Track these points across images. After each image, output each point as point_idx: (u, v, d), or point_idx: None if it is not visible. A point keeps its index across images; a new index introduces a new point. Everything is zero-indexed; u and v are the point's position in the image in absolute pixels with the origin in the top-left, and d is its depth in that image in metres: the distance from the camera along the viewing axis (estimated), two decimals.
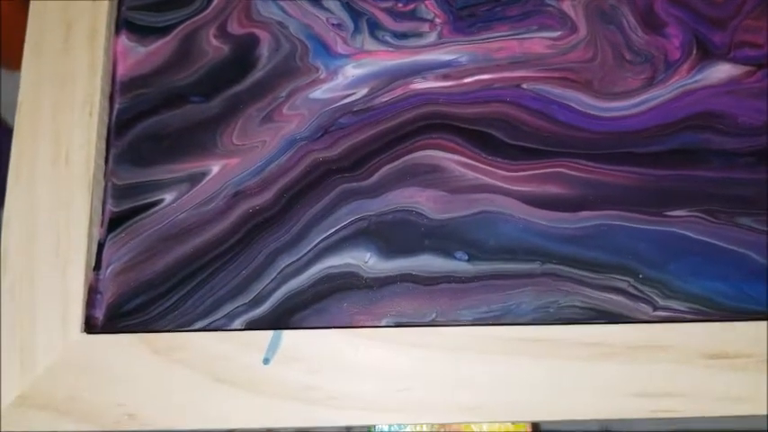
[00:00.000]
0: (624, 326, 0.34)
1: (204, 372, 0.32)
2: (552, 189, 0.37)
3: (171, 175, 0.37)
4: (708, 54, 0.40)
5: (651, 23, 0.40)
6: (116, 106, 0.39)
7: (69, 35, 0.39)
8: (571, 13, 0.40)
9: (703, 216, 0.37)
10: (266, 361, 0.32)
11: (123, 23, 0.40)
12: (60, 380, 0.32)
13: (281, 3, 0.40)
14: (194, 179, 0.37)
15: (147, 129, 0.38)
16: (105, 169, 0.37)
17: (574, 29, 0.40)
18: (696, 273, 0.36)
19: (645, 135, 0.38)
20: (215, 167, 0.38)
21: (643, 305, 0.35)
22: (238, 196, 0.37)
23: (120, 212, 0.37)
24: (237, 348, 0.33)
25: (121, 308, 0.35)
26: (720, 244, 0.36)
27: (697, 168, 0.38)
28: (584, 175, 0.38)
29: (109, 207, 0.37)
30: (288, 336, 0.33)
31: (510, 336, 0.33)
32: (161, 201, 0.37)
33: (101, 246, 0.36)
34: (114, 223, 0.37)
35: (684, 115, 0.39)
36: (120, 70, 0.39)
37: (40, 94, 0.38)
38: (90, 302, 0.35)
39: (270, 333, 0.33)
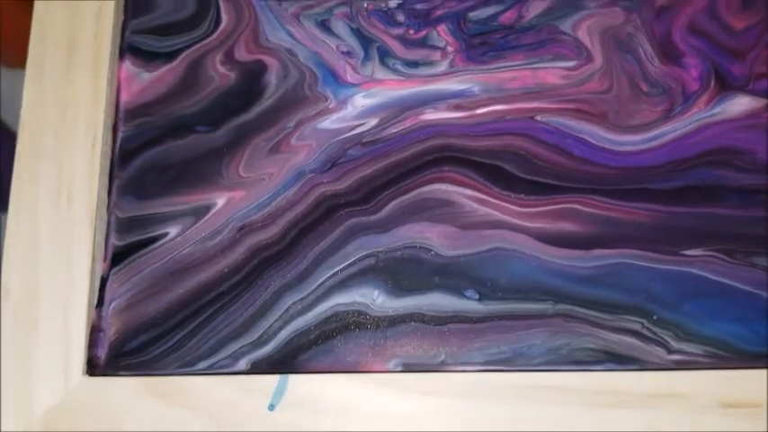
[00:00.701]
0: (638, 373, 0.33)
1: (208, 417, 0.32)
2: (566, 226, 0.37)
3: (175, 208, 0.37)
4: (726, 86, 0.39)
5: (669, 53, 0.39)
6: (120, 135, 0.38)
7: (71, 59, 0.38)
8: (587, 41, 0.40)
9: (720, 256, 0.36)
10: (271, 407, 0.32)
11: (127, 48, 0.39)
12: (61, 424, 0.32)
13: (290, 28, 0.40)
14: (199, 212, 0.37)
15: (151, 159, 0.38)
16: (108, 202, 0.37)
17: (589, 58, 0.39)
18: (712, 315, 0.35)
19: (661, 171, 0.38)
20: (220, 200, 0.37)
21: (657, 348, 0.35)
22: (244, 231, 0.36)
23: (124, 247, 0.36)
24: (242, 393, 0.32)
25: (124, 347, 0.35)
26: (737, 285, 0.36)
27: (714, 206, 0.37)
28: (598, 211, 0.37)
29: (112, 241, 0.36)
30: (294, 381, 0.32)
31: (521, 383, 0.33)
32: (165, 235, 0.36)
33: (104, 281, 0.35)
34: (117, 258, 0.36)
35: (702, 150, 0.38)
36: (124, 97, 0.39)
37: (42, 122, 0.37)
38: (92, 342, 0.34)
39: (276, 378, 0.32)
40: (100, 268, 0.36)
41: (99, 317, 0.35)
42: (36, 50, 0.39)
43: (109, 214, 0.37)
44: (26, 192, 0.36)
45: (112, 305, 0.35)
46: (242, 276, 0.36)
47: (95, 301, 0.35)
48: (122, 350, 0.35)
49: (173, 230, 0.37)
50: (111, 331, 0.35)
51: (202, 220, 0.37)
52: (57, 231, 0.35)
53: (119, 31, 0.39)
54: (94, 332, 0.34)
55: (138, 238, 0.37)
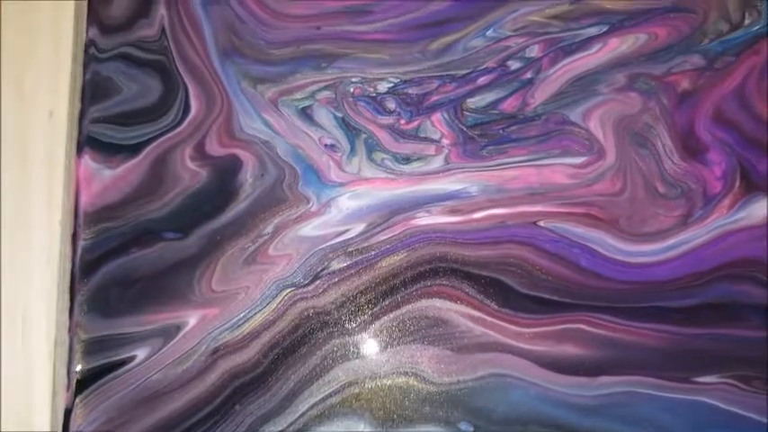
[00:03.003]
0: None
1: None
2: (569, 349, 0.35)
3: (143, 327, 0.35)
4: (752, 186, 0.36)
5: (690, 147, 0.36)
6: (80, 243, 0.36)
7: (25, 159, 0.35)
8: (598, 134, 0.36)
9: (736, 383, 0.34)
10: None
11: (86, 141, 0.36)
12: None
13: (267, 117, 0.36)
14: (169, 333, 0.35)
15: (115, 271, 0.35)
16: (70, 323, 0.34)
17: (601, 154, 0.36)
18: None
19: (675, 286, 0.35)
20: (192, 319, 0.35)
21: None
22: (218, 354, 0.34)
23: (89, 371, 0.34)
24: None
25: None
26: (753, 416, 0.34)
27: (732, 326, 0.35)
28: (605, 332, 0.35)
29: (75, 367, 0.34)
30: None
31: None
32: (132, 358, 0.34)
33: (67, 413, 0.33)
34: (82, 384, 0.34)
35: (721, 262, 0.36)
36: (84, 198, 0.36)
37: None
38: None
39: None
40: (63, 400, 0.34)
41: None
42: None
43: (71, 336, 0.35)
44: None
45: None
46: (216, 406, 0.34)
47: None
48: None
49: (141, 353, 0.35)
50: None
51: (172, 342, 0.35)
52: (12, 363, 0.33)
53: (75, 120, 0.36)
54: None
55: (103, 361, 0.35)
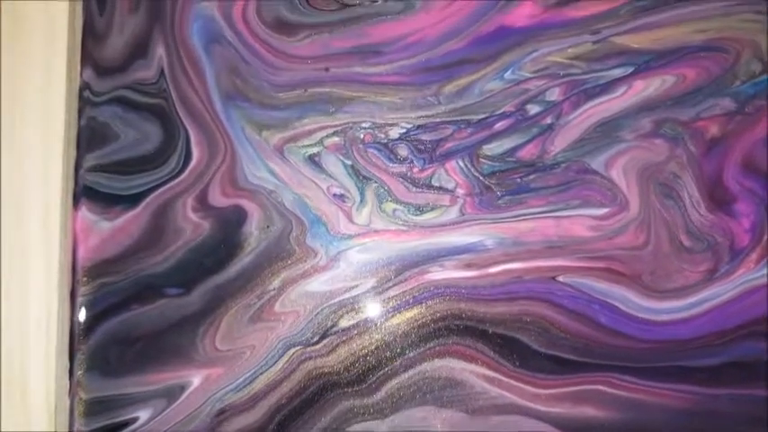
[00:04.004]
0: None
1: None
2: (588, 411, 0.34)
3: (146, 388, 0.34)
4: None
5: (718, 198, 0.35)
6: (78, 300, 0.34)
7: (20, 213, 0.34)
8: (621, 183, 0.35)
9: None
10: None
11: (83, 191, 0.35)
12: None
13: (273, 165, 0.35)
14: (172, 394, 0.34)
15: (115, 329, 0.34)
16: (70, 383, 0.33)
17: (623, 205, 0.35)
18: None
19: (698, 344, 0.34)
20: (195, 379, 0.34)
21: None
22: (223, 415, 0.34)
23: None
24: None
25: None
26: None
27: (756, 386, 0.34)
28: (625, 393, 0.34)
29: (75, 429, 0.33)
30: None
31: None
32: (135, 419, 0.34)
33: None
34: None
35: (747, 319, 0.35)
36: (82, 252, 0.35)
37: None
38: None
39: None
40: None
41: None
42: None
43: (71, 397, 0.34)
44: None
45: None
46: None
47: None
48: None
49: (144, 414, 0.34)
50: None
51: (176, 403, 0.34)
52: (11, 429, 0.32)
53: (71, 170, 0.35)
54: None
55: (105, 423, 0.34)
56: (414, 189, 0.36)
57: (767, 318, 0.35)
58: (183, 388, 0.35)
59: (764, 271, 0.35)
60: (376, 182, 0.36)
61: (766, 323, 0.35)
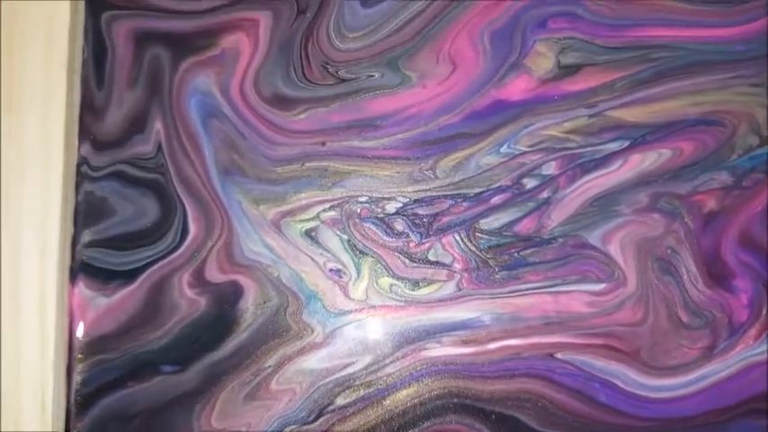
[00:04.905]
0: None
1: None
2: None
3: None
4: None
5: (716, 273, 0.35)
6: (74, 377, 0.34)
7: (18, 289, 0.34)
8: (619, 258, 0.35)
9: None
10: None
11: (79, 266, 0.35)
12: None
13: (270, 240, 0.35)
14: None
15: (112, 406, 0.35)
16: None
17: (621, 281, 0.35)
18: None
19: (697, 422, 0.35)
20: None
21: None
22: None
23: None
24: None
25: None
26: None
27: None
28: None
29: None
30: None
31: None
32: None
33: None
34: None
35: (745, 397, 0.35)
36: (79, 329, 0.35)
37: None
38: None
39: None
40: None
41: None
42: None
43: None
44: None
45: None
46: None
47: None
48: None
49: None
50: None
51: None
52: None
53: (68, 246, 0.35)
54: None
55: None
56: (410, 264, 0.37)
57: (767, 395, 0.35)
58: None
59: (764, 347, 0.36)
60: (372, 256, 0.37)
61: (766, 400, 0.35)
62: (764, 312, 0.36)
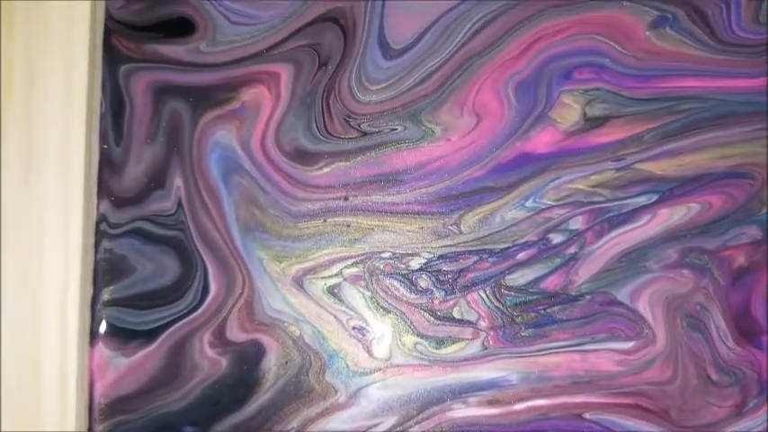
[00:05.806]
0: None
1: None
2: None
3: None
4: None
5: (745, 330, 0.35)
6: None
7: (38, 351, 0.33)
8: (648, 316, 0.35)
9: None
10: None
11: (99, 326, 0.35)
12: None
13: (292, 298, 0.35)
14: None
15: None
16: None
17: (650, 339, 0.35)
18: None
19: None
20: None
21: None
22: None
23: None
24: None
25: None
26: None
27: None
28: None
29: None
30: None
31: None
32: None
33: None
34: None
35: None
36: (99, 390, 0.35)
37: None
38: None
39: None
40: None
41: None
42: None
43: None
44: None
45: None
46: None
47: None
48: None
49: None
50: None
51: None
52: None
53: (87, 304, 0.35)
54: None
55: None
56: (435, 322, 0.36)
57: None
58: None
59: None
60: (396, 314, 0.36)
61: None
62: None
